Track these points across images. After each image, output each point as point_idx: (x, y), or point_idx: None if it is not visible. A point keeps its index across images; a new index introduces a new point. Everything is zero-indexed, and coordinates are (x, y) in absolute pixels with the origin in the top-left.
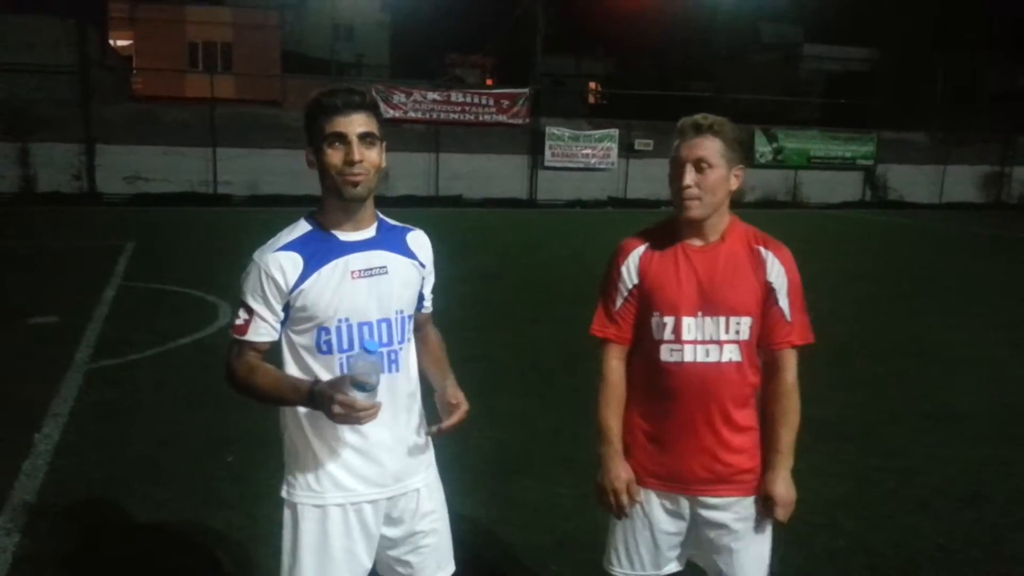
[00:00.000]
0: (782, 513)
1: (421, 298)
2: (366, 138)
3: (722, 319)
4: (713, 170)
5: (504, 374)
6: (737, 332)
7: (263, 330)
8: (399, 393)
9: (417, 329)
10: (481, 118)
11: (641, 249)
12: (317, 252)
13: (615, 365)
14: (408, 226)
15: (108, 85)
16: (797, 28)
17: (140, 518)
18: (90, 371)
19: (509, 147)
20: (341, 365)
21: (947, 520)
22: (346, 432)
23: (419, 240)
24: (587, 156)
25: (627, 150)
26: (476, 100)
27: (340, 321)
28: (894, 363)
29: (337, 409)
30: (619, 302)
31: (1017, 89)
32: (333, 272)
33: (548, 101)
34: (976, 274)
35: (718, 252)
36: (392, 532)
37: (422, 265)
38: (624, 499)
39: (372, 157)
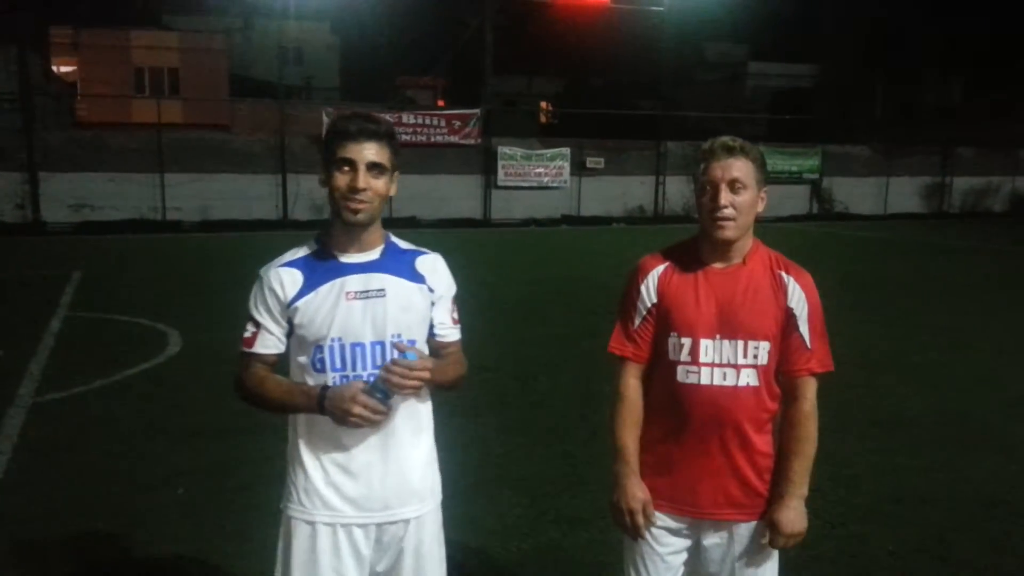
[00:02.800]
0: (782, 542)
1: (432, 325)
2: (374, 168)
3: (740, 343)
4: (747, 191)
5: (457, 394)
6: (755, 356)
7: (269, 342)
8: (394, 419)
9: (435, 356)
10: (433, 139)
11: (661, 268)
12: (317, 271)
13: (632, 383)
14: (422, 249)
15: (51, 112)
16: (741, 47)
17: (88, 556)
18: (34, 405)
19: (462, 167)
20: (334, 383)
21: (896, 526)
22: (338, 453)
23: (429, 263)
24: (540, 175)
25: (579, 168)
26: (428, 121)
27: (333, 340)
28: (841, 373)
29: (357, 410)
30: (637, 321)
31: (953, 103)
32: (330, 292)
33: (500, 121)
34: (919, 282)
35: (739, 275)
36: (378, 561)
37: (431, 290)
38: (640, 520)
39: (378, 187)
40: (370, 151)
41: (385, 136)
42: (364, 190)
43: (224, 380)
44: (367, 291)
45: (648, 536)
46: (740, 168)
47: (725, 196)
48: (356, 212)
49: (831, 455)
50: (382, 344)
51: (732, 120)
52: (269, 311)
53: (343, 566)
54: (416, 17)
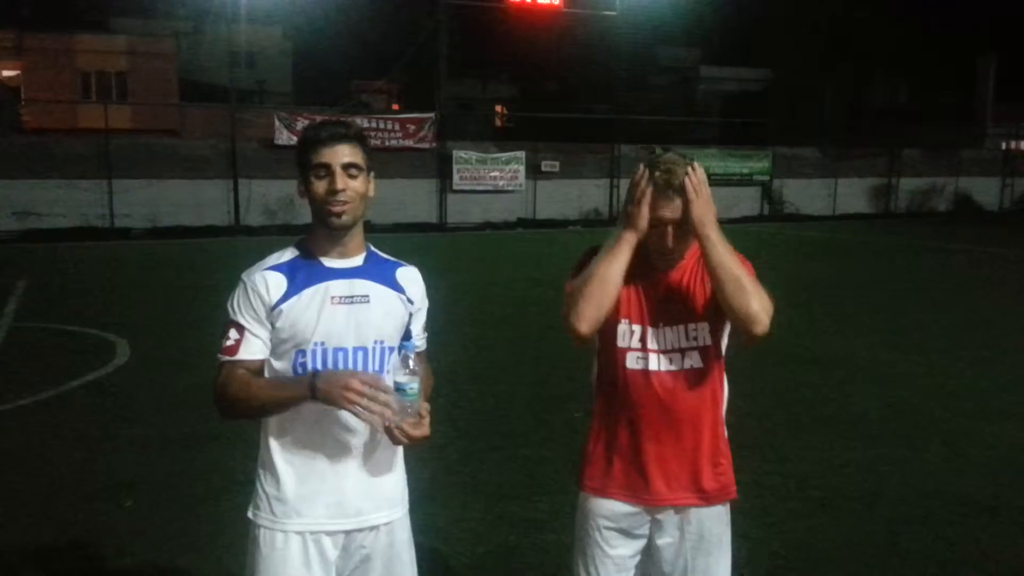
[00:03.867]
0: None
1: (409, 335)
2: (350, 168)
3: (681, 327)
4: (688, 227)
5: None
6: (695, 339)
7: (255, 347)
8: (370, 426)
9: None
10: (388, 143)
11: None
12: (301, 275)
13: None
14: (400, 261)
15: None
16: (693, 51)
17: (33, 569)
18: None
19: (417, 172)
20: None
21: (845, 520)
22: (312, 460)
23: (409, 276)
24: (495, 178)
25: (534, 171)
26: (382, 125)
27: (316, 345)
28: (792, 371)
29: (357, 385)
30: None
31: (899, 106)
32: (314, 296)
33: (455, 125)
34: (867, 281)
35: (683, 268)
36: (345, 567)
37: (410, 301)
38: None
39: (356, 186)
40: (343, 153)
41: (356, 138)
42: (343, 190)
43: (174, 390)
44: (352, 296)
45: (599, 534)
46: (676, 209)
47: (670, 239)
48: (340, 215)
49: (781, 452)
50: (364, 350)
51: (684, 124)
52: (255, 315)
53: (311, 574)
54: (370, 21)
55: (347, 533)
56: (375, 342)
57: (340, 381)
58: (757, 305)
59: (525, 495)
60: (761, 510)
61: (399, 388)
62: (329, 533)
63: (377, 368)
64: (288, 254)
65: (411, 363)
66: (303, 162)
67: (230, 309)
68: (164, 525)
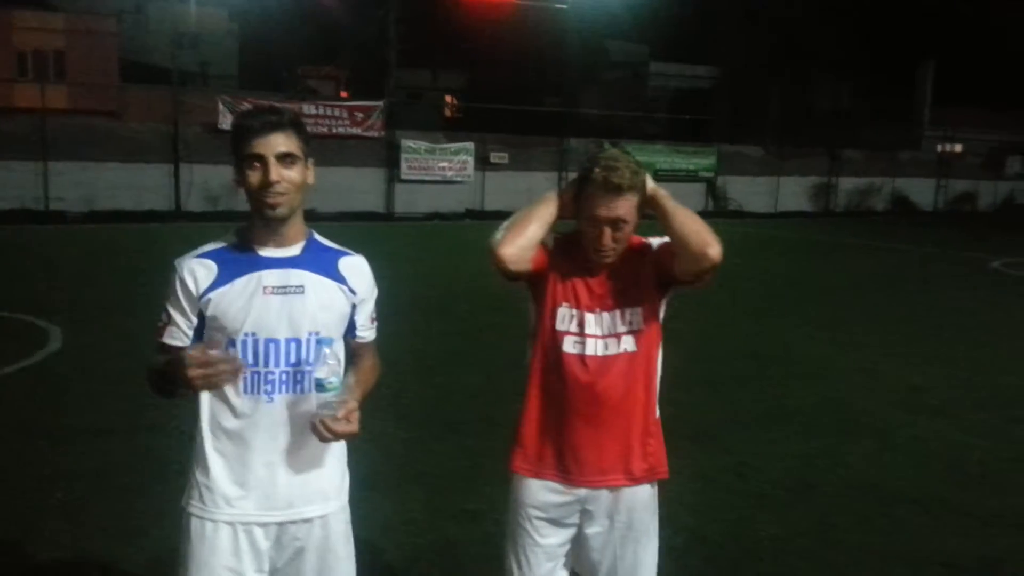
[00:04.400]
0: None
1: (353, 326)
2: (285, 158)
3: (617, 312)
4: (628, 225)
5: None
6: (631, 323)
7: (176, 335)
8: (304, 417)
9: (354, 356)
10: (335, 131)
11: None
12: (233, 264)
13: None
14: (346, 250)
15: None
16: (643, 47)
17: None
18: None
19: (364, 160)
20: (245, 380)
21: (781, 512)
22: (243, 450)
23: (353, 265)
24: (443, 169)
25: (483, 163)
26: (329, 112)
27: (247, 335)
28: (733, 365)
29: (193, 372)
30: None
31: (841, 107)
32: (246, 285)
33: (404, 114)
34: (806, 278)
35: (620, 257)
36: (279, 559)
37: (352, 292)
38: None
39: (291, 176)
40: (278, 142)
41: (290, 125)
42: (277, 182)
43: (108, 378)
44: (285, 287)
45: (529, 524)
46: (623, 207)
47: (607, 236)
48: (275, 207)
49: (720, 444)
50: (297, 341)
51: (633, 119)
52: (179, 303)
53: (241, 565)
54: (318, 6)
55: (279, 525)
56: (309, 334)
57: (181, 372)
58: (709, 235)
59: (467, 486)
60: (700, 501)
61: (318, 384)
62: (260, 524)
63: (308, 361)
64: (223, 241)
65: (327, 358)
66: (237, 152)
67: (164, 293)
68: (98, 516)
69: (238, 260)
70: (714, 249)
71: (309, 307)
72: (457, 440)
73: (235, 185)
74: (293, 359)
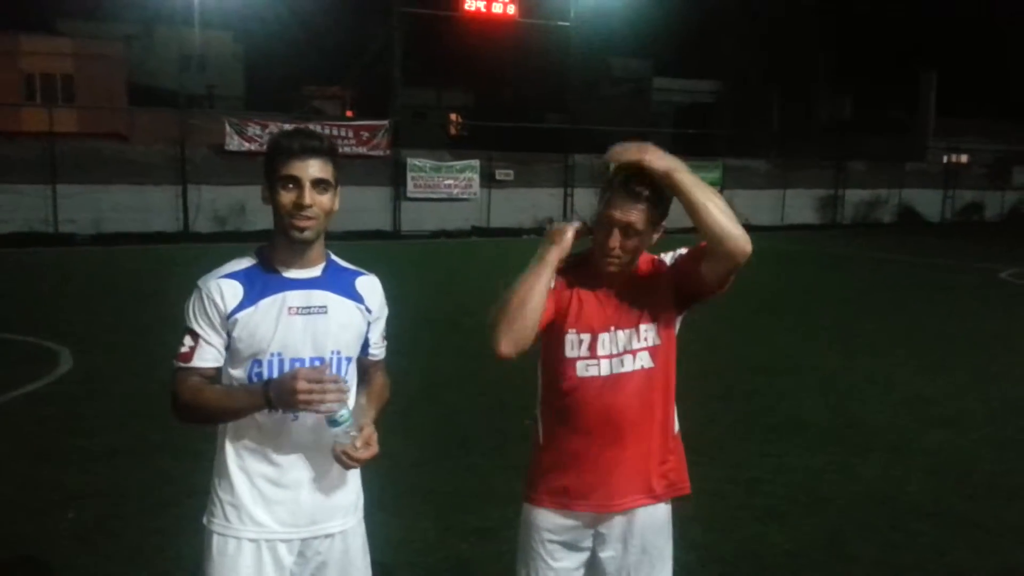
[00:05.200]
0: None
1: (367, 344)
2: (319, 184)
3: (631, 330)
4: (638, 236)
5: None
6: (646, 339)
7: (209, 355)
8: (326, 434)
9: (364, 374)
10: (341, 150)
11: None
12: (258, 285)
13: None
14: (361, 270)
15: None
16: (646, 62)
17: None
18: None
19: (371, 179)
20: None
21: (792, 526)
22: (267, 467)
23: (369, 285)
24: (449, 187)
25: (489, 180)
26: (335, 132)
27: (272, 355)
28: (742, 378)
29: (302, 385)
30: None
31: (844, 119)
32: (271, 306)
33: (409, 133)
34: (815, 290)
35: (631, 271)
36: (300, 573)
37: (368, 310)
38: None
39: (323, 202)
40: (315, 168)
41: (328, 152)
42: (310, 206)
43: (119, 399)
44: (309, 307)
45: (542, 548)
46: (635, 214)
47: (615, 239)
48: (303, 229)
49: (730, 458)
50: (321, 360)
51: (636, 134)
52: (209, 322)
53: None
54: (323, 27)
55: (303, 540)
56: (332, 352)
57: (287, 386)
58: (738, 229)
59: (478, 504)
60: (711, 516)
61: (330, 421)
62: (284, 540)
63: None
64: (246, 262)
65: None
66: (272, 170)
67: (186, 315)
68: (111, 538)
69: (263, 281)
70: (746, 244)
71: (332, 326)
72: (467, 458)
73: (263, 200)
74: None
